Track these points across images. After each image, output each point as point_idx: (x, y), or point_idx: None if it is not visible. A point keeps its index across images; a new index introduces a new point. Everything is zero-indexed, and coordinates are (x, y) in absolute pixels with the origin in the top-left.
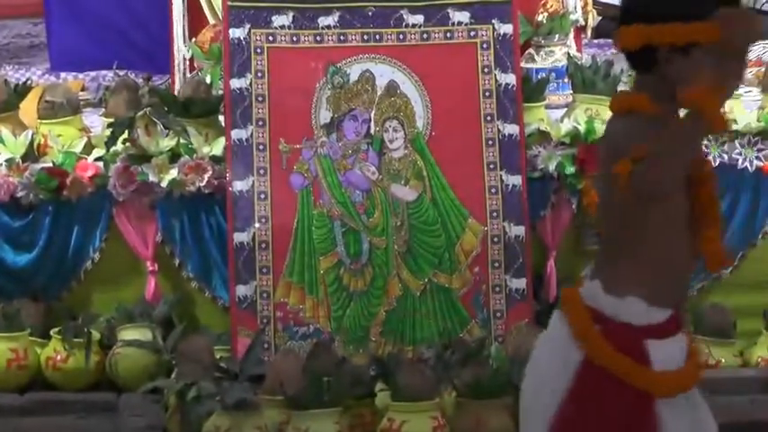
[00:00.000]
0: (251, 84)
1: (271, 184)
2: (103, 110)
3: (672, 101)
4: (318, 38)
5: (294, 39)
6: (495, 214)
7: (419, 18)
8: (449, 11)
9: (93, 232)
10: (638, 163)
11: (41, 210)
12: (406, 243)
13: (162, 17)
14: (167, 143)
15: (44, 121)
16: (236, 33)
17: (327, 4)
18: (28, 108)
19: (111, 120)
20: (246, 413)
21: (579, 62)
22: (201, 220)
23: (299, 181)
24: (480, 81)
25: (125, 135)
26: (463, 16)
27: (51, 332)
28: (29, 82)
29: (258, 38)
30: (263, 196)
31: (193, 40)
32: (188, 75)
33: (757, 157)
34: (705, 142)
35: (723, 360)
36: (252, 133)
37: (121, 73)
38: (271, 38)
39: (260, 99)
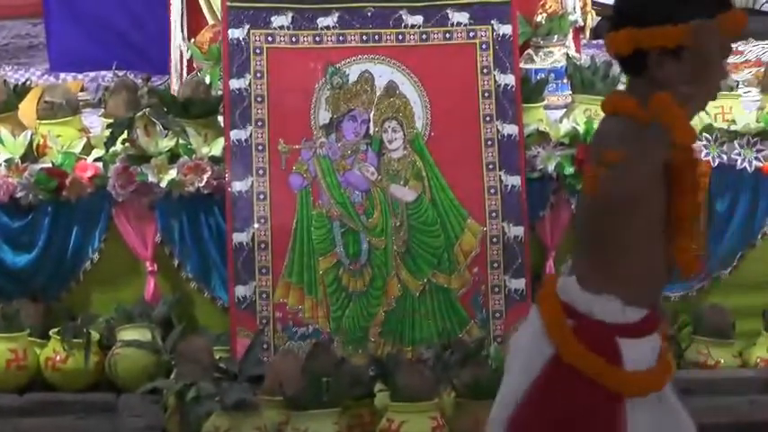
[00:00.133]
0: (250, 84)
1: (270, 184)
2: (103, 110)
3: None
4: (317, 38)
5: (293, 39)
6: (494, 214)
7: (418, 19)
8: (448, 11)
9: (92, 233)
10: (608, 168)
11: (41, 210)
12: (406, 243)
13: (161, 18)
14: (166, 143)
15: (43, 122)
16: (236, 34)
17: (326, 4)
18: (27, 108)
19: (111, 120)
20: (246, 413)
21: (578, 63)
22: (201, 221)
23: (299, 181)
24: (479, 81)
25: (124, 135)
26: (462, 17)
27: (51, 332)
28: (28, 82)
29: (257, 38)
30: (262, 197)
31: (192, 40)
32: (186, 75)
33: (756, 158)
34: (704, 143)
35: (722, 361)
36: (251, 134)
37: (121, 73)
38: (270, 38)
39: (259, 99)
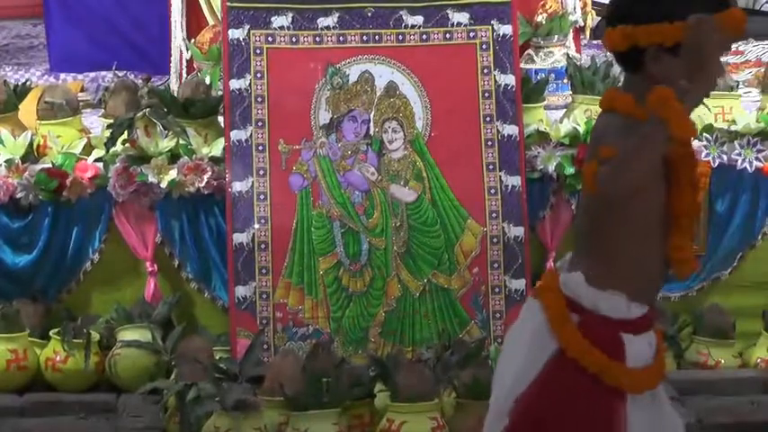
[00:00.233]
0: (250, 84)
1: (270, 184)
2: (103, 111)
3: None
4: (318, 39)
5: (293, 40)
6: (494, 215)
7: (418, 19)
8: (448, 12)
9: (92, 233)
10: (604, 164)
11: (41, 211)
12: (406, 244)
13: (161, 18)
14: (167, 144)
15: (43, 122)
16: (236, 34)
17: (327, 4)
18: (27, 109)
19: (111, 121)
20: (246, 414)
21: (578, 63)
22: (201, 221)
23: (299, 182)
24: (480, 82)
25: (124, 136)
26: (462, 17)
27: (51, 333)
28: (28, 83)
29: (257, 39)
30: (262, 197)
31: (193, 40)
32: (186, 76)
33: (757, 158)
34: (704, 143)
35: (722, 361)
36: (251, 134)
37: (121, 74)
38: (270, 39)
39: (259, 100)
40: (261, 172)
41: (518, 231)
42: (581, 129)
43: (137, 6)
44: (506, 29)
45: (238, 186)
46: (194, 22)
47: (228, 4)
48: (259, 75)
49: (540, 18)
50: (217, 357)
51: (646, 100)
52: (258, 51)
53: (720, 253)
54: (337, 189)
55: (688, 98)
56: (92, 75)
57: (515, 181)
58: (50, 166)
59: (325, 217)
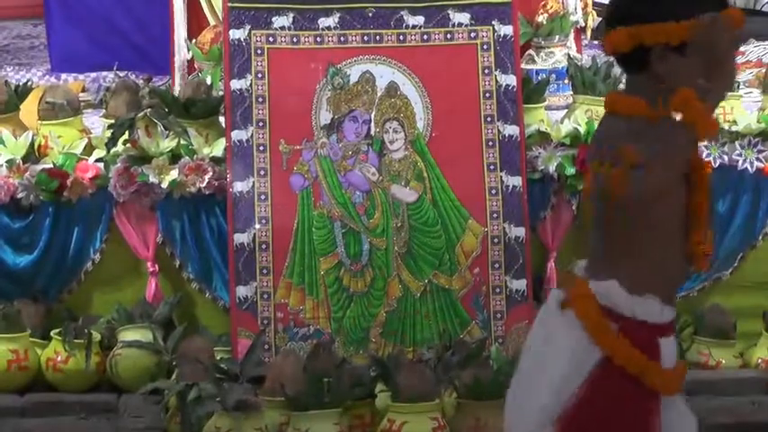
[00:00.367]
0: (251, 85)
1: (271, 184)
2: (104, 111)
3: (660, 101)
4: (318, 39)
5: (294, 40)
6: (495, 215)
7: (419, 19)
8: (449, 12)
9: (93, 233)
10: (634, 167)
11: (42, 211)
12: (407, 244)
13: (162, 18)
14: (168, 144)
15: (45, 123)
16: (237, 34)
17: (327, 5)
18: (28, 109)
19: (112, 121)
20: (247, 414)
21: (579, 63)
22: (202, 221)
23: (300, 182)
24: (480, 82)
25: (125, 136)
26: (463, 17)
27: (52, 333)
28: (29, 83)
29: (258, 39)
30: (263, 197)
31: (194, 41)
32: (188, 76)
33: (757, 159)
34: (705, 143)
35: (723, 361)
36: (252, 134)
37: (122, 74)
38: (271, 39)
39: (260, 100)
40: (262, 172)
41: (519, 232)
42: (582, 129)
43: (138, 6)
44: (507, 29)
45: (239, 186)
46: (195, 22)
47: (229, 4)
48: (260, 75)
49: (541, 18)
50: (218, 357)
51: (654, 101)
52: (259, 51)
53: (721, 253)
54: (338, 189)
55: (710, 97)
56: (93, 75)
57: (516, 181)
58: (51, 166)
59: (326, 217)
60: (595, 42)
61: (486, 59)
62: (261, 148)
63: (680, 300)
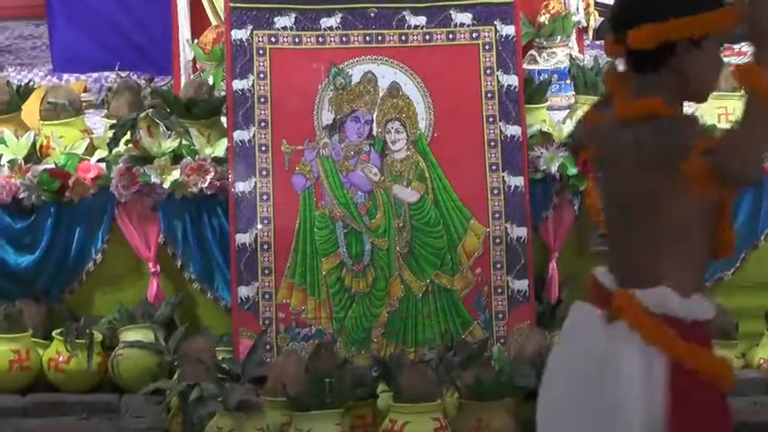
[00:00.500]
0: (253, 85)
1: (273, 185)
2: (106, 111)
3: (678, 97)
4: (320, 39)
5: (296, 40)
6: (497, 215)
7: (421, 19)
8: (451, 12)
9: (95, 233)
10: (709, 155)
11: (43, 211)
12: (408, 244)
13: (164, 19)
14: (169, 144)
15: (46, 123)
16: (239, 35)
17: (329, 5)
18: (30, 109)
19: (114, 121)
20: (248, 414)
21: (581, 63)
22: (204, 222)
23: (302, 182)
24: (482, 82)
25: (127, 136)
26: (465, 17)
27: (53, 333)
28: (31, 83)
29: (260, 39)
30: (265, 197)
31: (195, 41)
32: (192, 76)
33: None
34: None
35: None
36: (254, 134)
37: (124, 74)
38: (273, 39)
39: (262, 100)
40: (264, 172)
41: (521, 232)
42: None
43: (139, 7)
44: (509, 29)
45: (241, 187)
46: (197, 22)
47: (231, 4)
48: (262, 75)
49: (543, 19)
50: (219, 358)
51: (670, 98)
52: (261, 52)
53: None
54: (340, 189)
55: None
56: (95, 75)
57: (518, 181)
58: (53, 166)
59: (327, 217)
60: (597, 42)
61: (488, 60)
62: (263, 148)
63: None
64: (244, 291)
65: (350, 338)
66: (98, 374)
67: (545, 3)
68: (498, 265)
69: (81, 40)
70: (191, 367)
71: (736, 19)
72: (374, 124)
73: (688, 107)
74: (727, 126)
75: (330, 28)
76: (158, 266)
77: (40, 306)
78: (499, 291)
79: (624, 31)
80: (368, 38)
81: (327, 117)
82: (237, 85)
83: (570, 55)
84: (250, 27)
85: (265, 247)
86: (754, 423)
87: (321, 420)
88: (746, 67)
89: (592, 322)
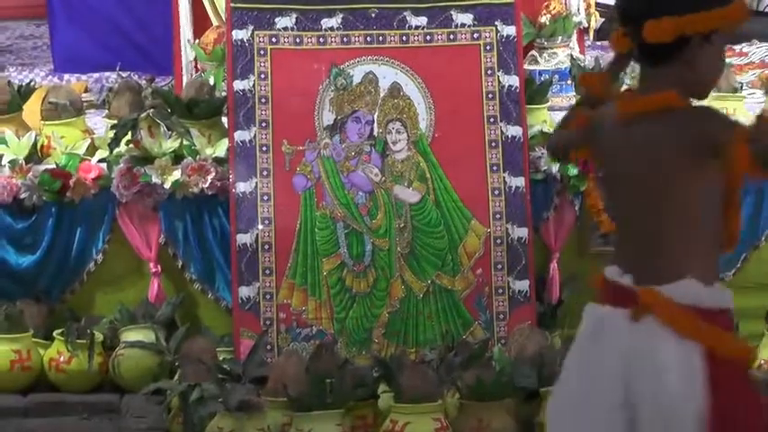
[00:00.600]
0: (254, 85)
1: (274, 185)
2: (107, 111)
3: (687, 92)
4: (321, 39)
5: (297, 40)
6: (498, 216)
7: (422, 20)
8: (452, 13)
9: (96, 234)
10: (756, 141)
11: (44, 211)
12: (409, 245)
13: (165, 19)
14: (170, 145)
15: (47, 123)
16: (240, 35)
17: (330, 5)
18: (31, 109)
19: (115, 121)
20: (249, 415)
21: (582, 64)
22: (204, 222)
23: (302, 182)
24: (483, 83)
25: (128, 137)
26: (466, 18)
27: (54, 333)
28: (32, 83)
29: (261, 39)
30: (266, 198)
31: (197, 41)
32: (193, 77)
33: None
34: None
35: None
36: (255, 135)
37: (124, 74)
38: (274, 39)
39: (263, 101)
40: (264, 173)
41: (522, 232)
42: None
43: (140, 7)
44: (510, 30)
45: (242, 187)
46: (198, 22)
47: (232, 4)
48: (263, 76)
49: (544, 19)
50: (220, 358)
51: (683, 90)
52: (262, 52)
53: (724, 254)
54: (341, 190)
55: None
56: (95, 75)
57: (519, 182)
58: (54, 166)
59: (328, 218)
60: (598, 43)
61: (488, 60)
62: (264, 148)
63: None
64: (245, 291)
65: (351, 339)
66: (99, 375)
67: (546, 3)
68: (499, 266)
69: (82, 41)
70: (191, 367)
71: (743, 16)
72: (375, 125)
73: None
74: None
75: (331, 28)
76: (159, 267)
77: (40, 306)
78: (500, 291)
79: (637, 25)
80: (369, 38)
81: (328, 117)
82: (238, 85)
83: (571, 55)
84: (251, 27)
85: (266, 247)
86: None
87: (322, 421)
88: None
89: (614, 322)
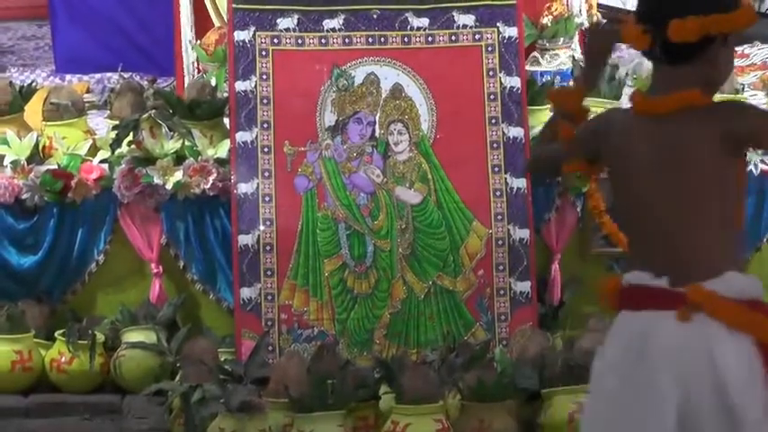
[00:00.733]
0: (256, 86)
1: (275, 186)
2: (108, 112)
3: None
4: (323, 40)
5: (299, 41)
6: (499, 217)
7: (424, 21)
8: (453, 14)
9: (97, 234)
10: None
11: (46, 212)
12: (411, 246)
13: (166, 20)
14: (172, 145)
15: (49, 123)
16: (241, 36)
17: (332, 6)
18: (33, 110)
19: (116, 122)
20: (250, 415)
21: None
22: (206, 223)
23: (304, 183)
24: (485, 84)
25: (130, 137)
26: (468, 19)
27: (56, 334)
28: (34, 84)
29: (263, 40)
30: (267, 199)
31: (198, 42)
32: (195, 77)
33: (762, 161)
34: None
35: None
36: (257, 136)
37: (126, 75)
38: (276, 40)
39: (265, 102)
40: (266, 174)
41: (523, 233)
42: None
43: (142, 7)
44: (512, 31)
45: (244, 188)
46: (200, 23)
47: (234, 5)
48: (264, 76)
49: (546, 20)
50: (222, 359)
51: (704, 88)
52: (264, 53)
53: None
54: (342, 191)
55: None
56: (97, 76)
57: (521, 183)
58: (56, 167)
59: (330, 219)
60: None
61: (490, 61)
62: (265, 149)
63: None
64: (246, 292)
65: (352, 340)
66: (100, 375)
67: (548, 4)
68: (501, 267)
69: (84, 41)
70: (193, 368)
71: (753, 18)
72: (377, 126)
73: None
74: None
75: (333, 29)
76: (161, 267)
77: (42, 307)
78: (501, 292)
79: (660, 24)
80: (370, 39)
81: (330, 118)
82: (240, 86)
83: (573, 56)
84: (253, 28)
85: (268, 248)
86: None
87: (323, 422)
88: None
89: (660, 326)
